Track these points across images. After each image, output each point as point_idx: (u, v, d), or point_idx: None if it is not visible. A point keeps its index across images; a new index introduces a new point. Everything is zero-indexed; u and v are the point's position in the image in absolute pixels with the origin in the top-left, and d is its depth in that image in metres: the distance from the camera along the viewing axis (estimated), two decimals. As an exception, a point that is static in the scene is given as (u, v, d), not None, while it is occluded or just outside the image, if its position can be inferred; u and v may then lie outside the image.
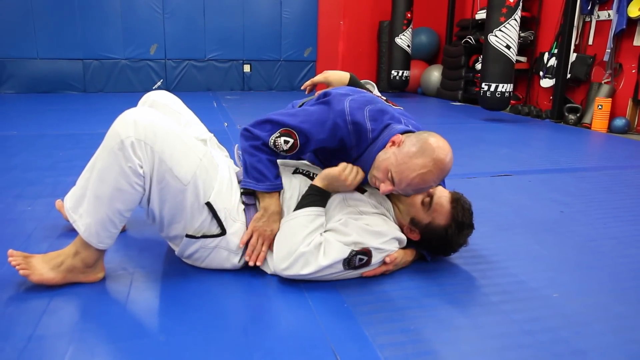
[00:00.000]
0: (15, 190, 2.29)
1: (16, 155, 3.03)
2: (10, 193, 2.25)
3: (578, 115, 4.77)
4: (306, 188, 1.50)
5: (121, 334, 1.19)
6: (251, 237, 1.45)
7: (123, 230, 1.81)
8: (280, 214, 1.48)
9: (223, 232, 1.43)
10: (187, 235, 1.41)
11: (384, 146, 1.42)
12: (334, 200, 1.50)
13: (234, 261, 1.47)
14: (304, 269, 1.36)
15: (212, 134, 1.73)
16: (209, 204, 1.39)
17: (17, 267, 1.33)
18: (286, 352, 1.13)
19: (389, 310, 1.32)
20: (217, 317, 1.27)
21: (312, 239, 1.38)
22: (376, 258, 1.42)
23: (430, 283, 1.48)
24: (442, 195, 1.50)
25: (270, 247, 1.46)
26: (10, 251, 1.35)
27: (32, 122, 4.34)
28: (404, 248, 1.53)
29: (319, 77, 1.76)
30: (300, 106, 1.67)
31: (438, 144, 1.33)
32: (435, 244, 1.54)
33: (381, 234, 1.43)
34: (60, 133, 3.72)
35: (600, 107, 4.48)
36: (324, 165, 1.59)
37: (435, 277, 1.52)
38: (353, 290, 1.41)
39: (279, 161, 1.54)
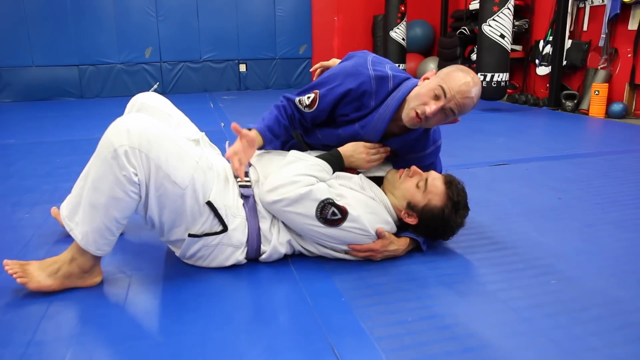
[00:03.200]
0: (13, 198, 2.29)
1: (14, 163, 3.04)
2: (9, 201, 2.25)
3: (575, 101, 4.76)
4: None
5: (119, 336, 1.19)
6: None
7: (121, 234, 1.81)
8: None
9: (225, 228, 1.43)
10: (190, 235, 1.41)
11: (408, 92, 1.50)
12: None
13: (237, 256, 1.48)
14: (283, 195, 1.40)
15: (203, 133, 1.73)
16: (209, 203, 1.39)
17: (14, 275, 1.34)
18: (284, 349, 1.13)
19: (386, 303, 1.32)
20: (214, 316, 1.27)
21: (308, 179, 1.43)
22: (350, 224, 1.42)
23: (427, 274, 1.48)
24: (436, 177, 1.53)
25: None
26: (5, 261, 1.36)
27: (29, 130, 4.34)
28: (397, 235, 1.54)
29: (329, 62, 1.85)
30: None
31: (468, 69, 1.46)
32: (433, 225, 1.54)
33: (368, 205, 1.47)
34: (57, 140, 3.72)
35: (597, 92, 4.47)
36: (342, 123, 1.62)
37: (433, 267, 1.52)
38: (350, 284, 1.42)
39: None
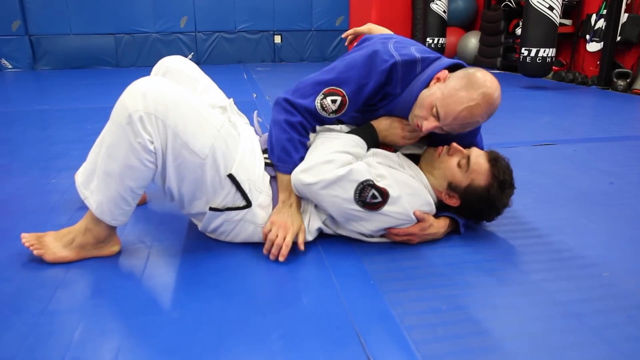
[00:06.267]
0: (42, 163, 2.28)
1: (47, 129, 3.05)
2: (37, 165, 2.24)
3: (628, 80, 4.45)
4: None
5: (134, 310, 1.13)
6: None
7: (144, 203, 1.76)
8: (300, 206, 1.39)
9: (248, 204, 1.34)
10: (211, 209, 1.34)
11: (430, 79, 1.33)
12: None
13: (261, 235, 1.40)
14: (319, 176, 1.27)
15: (231, 100, 1.64)
16: (231, 176, 1.30)
17: (30, 247, 1.30)
18: (306, 333, 1.05)
19: (419, 288, 1.22)
20: (234, 293, 1.20)
21: (343, 156, 1.31)
22: (391, 207, 1.30)
23: (464, 259, 1.37)
24: (479, 154, 1.40)
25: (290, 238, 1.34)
26: (22, 234, 1.33)
27: (64, 97, 4.37)
28: (436, 217, 1.43)
29: (362, 28, 1.69)
30: None
31: (486, 78, 1.26)
32: (477, 207, 1.42)
33: (409, 186, 1.35)
34: (90, 107, 3.73)
35: (653, 71, 4.16)
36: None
37: (471, 252, 1.41)
38: (380, 265, 1.32)
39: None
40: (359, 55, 1.36)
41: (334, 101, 1.34)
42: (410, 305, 1.14)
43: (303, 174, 1.30)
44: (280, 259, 1.32)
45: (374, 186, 1.27)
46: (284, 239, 1.32)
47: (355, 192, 1.27)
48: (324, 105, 1.35)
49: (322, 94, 1.35)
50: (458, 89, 1.25)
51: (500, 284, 1.25)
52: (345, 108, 1.36)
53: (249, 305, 1.15)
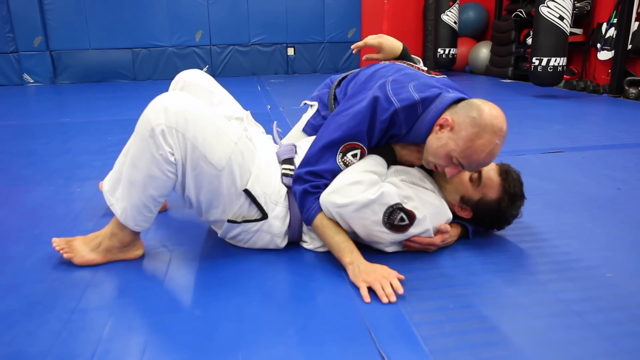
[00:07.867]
0: (66, 173, 2.38)
1: (69, 140, 3.16)
2: (62, 175, 2.34)
3: (640, 88, 4.46)
4: None
5: (158, 308, 1.21)
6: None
7: (165, 210, 1.84)
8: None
9: (264, 216, 1.41)
10: (229, 221, 1.41)
11: (437, 116, 1.34)
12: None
13: (277, 243, 1.47)
14: (350, 197, 1.30)
15: (248, 112, 1.72)
16: (247, 191, 1.37)
17: (61, 251, 1.39)
18: (320, 329, 1.11)
19: (428, 288, 1.27)
20: (252, 293, 1.27)
21: (369, 176, 1.34)
22: (415, 229, 1.35)
23: (472, 261, 1.42)
24: (490, 169, 1.45)
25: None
26: (53, 239, 1.41)
27: (84, 110, 4.51)
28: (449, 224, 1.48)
29: (372, 40, 1.72)
30: (339, 82, 1.64)
31: (491, 114, 1.27)
32: (488, 218, 1.48)
33: (433, 205, 1.39)
34: (110, 119, 3.85)
35: (664, 79, 4.17)
36: None
37: (478, 254, 1.46)
38: (391, 267, 1.37)
39: None
40: (362, 107, 1.37)
41: (354, 155, 1.38)
42: (419, 304, 1.20)
43: (334, 195, 1.34)
44: (400, 291, 1.23)
45: (402, 209, 1.31)
46: (390, 286, 1.24)
47: (384, 215, 1.30)
48: (347, 162, 1.38)
49: (341, 152, 1.37)
50: (473, 139, 1.26)
51: (506, 284, 1.31)
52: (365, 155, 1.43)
53: (266, 304, 1.22)
